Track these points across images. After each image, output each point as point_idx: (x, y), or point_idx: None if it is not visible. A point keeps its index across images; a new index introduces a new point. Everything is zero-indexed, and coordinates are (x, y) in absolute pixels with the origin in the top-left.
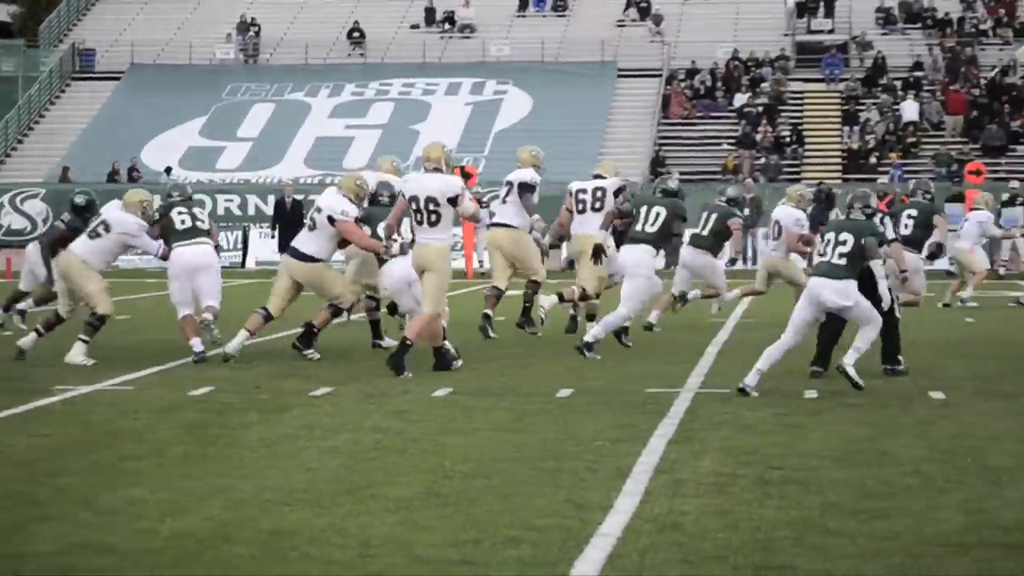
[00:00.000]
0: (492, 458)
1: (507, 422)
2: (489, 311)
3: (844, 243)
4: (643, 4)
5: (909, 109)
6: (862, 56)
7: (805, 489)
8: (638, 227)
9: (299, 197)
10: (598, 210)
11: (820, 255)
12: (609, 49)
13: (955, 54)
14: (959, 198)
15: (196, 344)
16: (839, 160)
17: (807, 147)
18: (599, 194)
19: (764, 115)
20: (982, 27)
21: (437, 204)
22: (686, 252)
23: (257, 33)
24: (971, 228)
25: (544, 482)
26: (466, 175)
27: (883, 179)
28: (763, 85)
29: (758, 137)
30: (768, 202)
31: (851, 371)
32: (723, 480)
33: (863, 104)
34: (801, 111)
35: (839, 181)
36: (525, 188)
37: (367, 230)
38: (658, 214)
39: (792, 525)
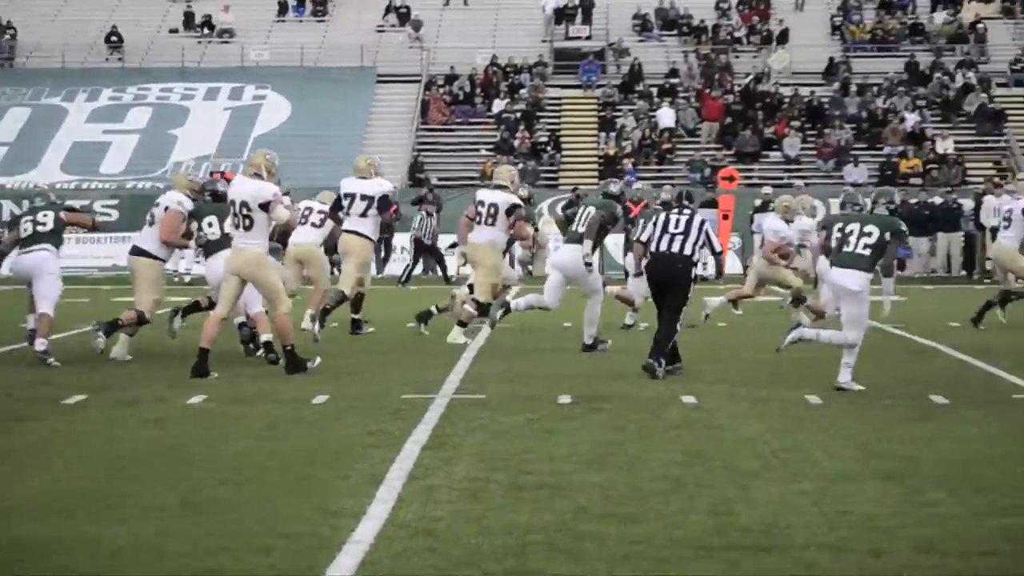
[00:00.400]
0: (246, 466)
1: (261, 429)
2: (357, 315)
3: (870, 235)
4: (402, 10)
5: (665, 115)
6: (619, 63)
7: (557, 494)
8: (573, 227)
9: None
10: (492, 224)
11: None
12: (368, 55)
13: (710, 61)
14: (712, 204)
15: (39, 345)
16: (595, 166)
17: (564, 153)
18: (492, 210)
19: (522, 121)
20: (737, 34)
21: (249, 209)
22: (630, 258)
23: (13, 36)
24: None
25: (297, 489)
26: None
27: (638, 185)
28: (521, 91)
29: (516, 143)
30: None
31: (850, 387)
32: (476, 486)
33: (620, 110)
34: (559, 117)
35: (595, 186)
36: (385, 203)
37: (195, 224)
38: (588, 215)
39: (544, 530)
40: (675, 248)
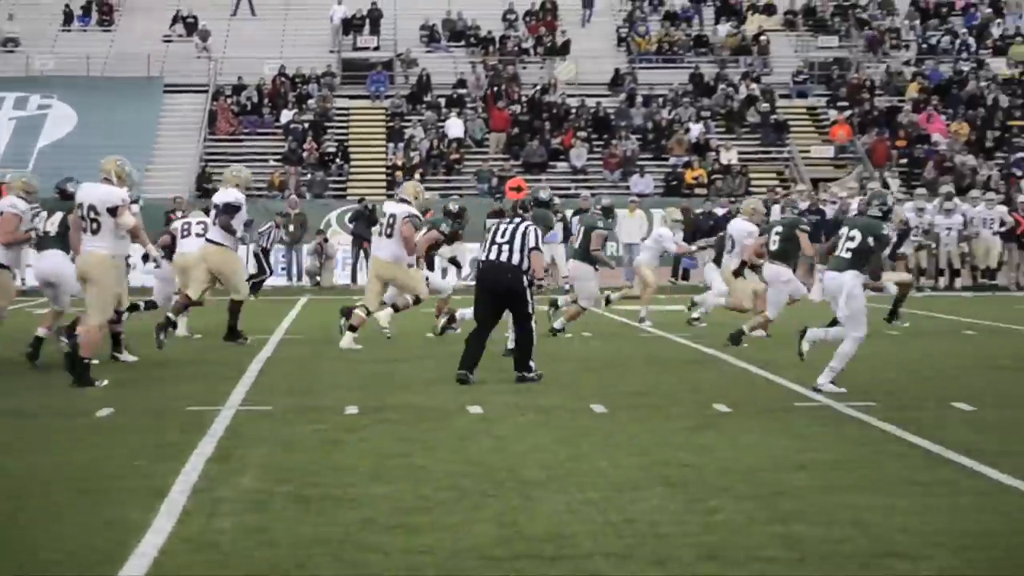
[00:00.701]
0: (28, 479)
1: (45, 442)
2: (172, 315)
3: (853, 239)
4: (189, 20)
5: (453, 126)
6: (407, 73)
7: (342, 505)
8: None
9: None
10: (390, 236)
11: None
12: (156, 64)
13: (497, 72)
14: (500, 213)
15: None
16: (384, 176)
17: (352, 163)
18: (391, 220)
19: (310, 131)
20: (524, 45)
21: (97, 213)
22: (571, 263)
23: None
24: (650, 243)
25: (81, 503)
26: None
27: (425, 195)
28: (309, 101)
29: (304, 153)
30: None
31: (827, 388)
32: (261, 497)
33: (408, 121)
34: (347, 127)
35: (383, 198)
36: (228, 209)
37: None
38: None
39: (329, 541)
40: (503, 257)
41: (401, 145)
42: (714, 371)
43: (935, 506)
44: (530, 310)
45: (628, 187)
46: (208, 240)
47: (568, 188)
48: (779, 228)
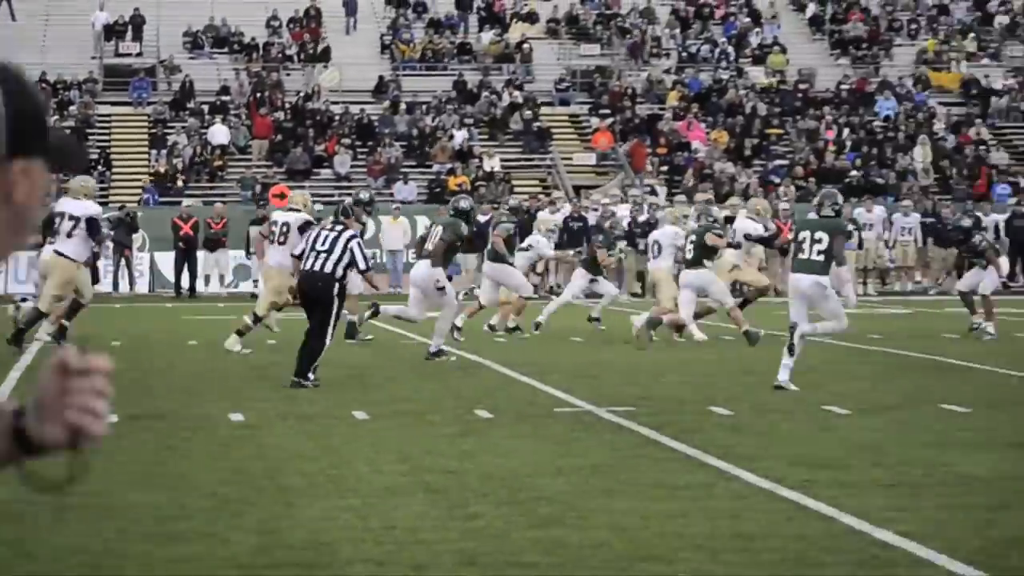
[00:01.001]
0: None
1: None
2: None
3: (820, 241)
4: None
5: (217, 133)
6: (170, 80)
7: (102, 515)
8: (426, 244)
9: None
10: (283, 243)
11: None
12: None
13: (261, 79)
14: (260, 221)
15: None
16: (147, 183)
17: (115, 170)
18: (284, 228)
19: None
20: (288, 52)
21: None
22: (486, 266)
23: None
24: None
25: None
26: None
27: (188, 202)
28: (71, 108)
29: None
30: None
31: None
32: (19, 508)
33: (171, 127)
34: (109, 134)
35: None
36: (94, 225)
37: None
38: (437, 234)
39: (87, 551)
40: (318, 266)
41: (164, 152)
42: (477, 377)
43: (691, 509)
44: (332, 322)
45: (392, 194)
46: (57, 252)
47: (332, 195)
48: (693, 236)
